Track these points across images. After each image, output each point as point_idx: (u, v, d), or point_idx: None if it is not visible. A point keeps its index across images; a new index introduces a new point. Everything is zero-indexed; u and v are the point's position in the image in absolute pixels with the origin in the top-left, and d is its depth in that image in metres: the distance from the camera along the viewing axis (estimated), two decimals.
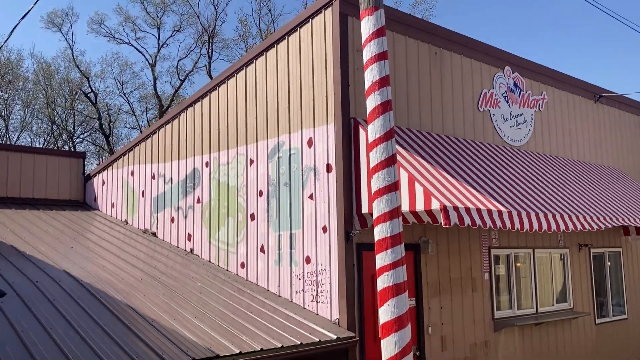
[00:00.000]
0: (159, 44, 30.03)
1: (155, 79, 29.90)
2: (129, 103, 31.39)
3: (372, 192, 5.25)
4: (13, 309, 5.95)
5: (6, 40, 5.51)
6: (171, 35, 30.38)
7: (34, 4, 5.85)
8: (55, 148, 29.84)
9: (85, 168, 13.20)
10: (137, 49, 30.26)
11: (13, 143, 29.67)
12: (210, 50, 29.79)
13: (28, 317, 5.87)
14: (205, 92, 9.90)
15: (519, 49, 44.62)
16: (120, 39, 29.94)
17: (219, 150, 9.47)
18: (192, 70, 30.42)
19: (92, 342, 5.53)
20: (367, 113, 5.40)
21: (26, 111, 31.07)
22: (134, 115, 31.26)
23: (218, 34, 30.25)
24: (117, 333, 5.83)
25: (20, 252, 8.27)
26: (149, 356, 5.41)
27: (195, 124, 10.04)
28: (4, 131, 30.15)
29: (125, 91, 30.92)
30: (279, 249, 8.15)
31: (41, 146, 30.15)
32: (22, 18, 5.61)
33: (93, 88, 30.15)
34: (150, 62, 30.06)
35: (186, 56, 30.55)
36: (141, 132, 30.62)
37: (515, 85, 10.09)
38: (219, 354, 5.74)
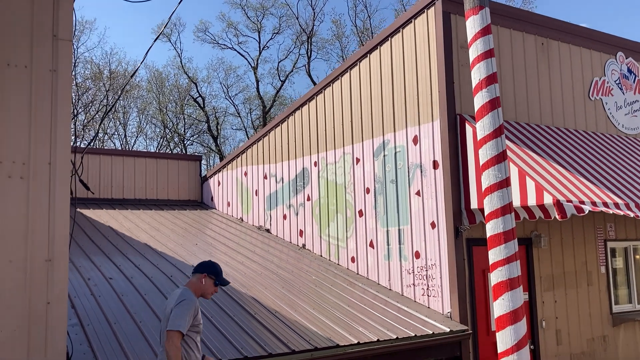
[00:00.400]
0: (259, 47, 31.26)
1: (257, 81, 31.17)
2: (234, 105, 33.00)
3: (483, 189, 5.38)
4: (155, 301, 6.68)
5: (142, 61, 6.18)
6: (271, 38, 31.69)
7: (161, 32, 6.50)
8: (169, 151, 31.97)
9: (202, 169, 14.22)
10: (239, 53, 31.72)
11: (131, 147, 32.17)
12: (309, 51, 30.56)
13: None
14: (311, 95, 10.36)
15: (632, 32, 41.62)
16: (224, 45, 31.49)
17: (326, 150, 9.90)
18: (292, 70, 31.37)
19: (226, 331, 6.11)
20: (475, 111, 5.52)
21: (141, 117, 33.58)
22: (239, 116, 32.77)
23: (316, 33, 30.96)
24: (246, 323, 6.39)
25: (154, 249, 9.16)
26: (277, 345, 5.90)
27: (303, 126, 10.54)
28: (123, 136, 32.79)
29: (230, 94, 32.49)
30: (388, 244, 8.42)
31: (155, 149, 32.46)
32: (155, 40, 6.28)
33: (200, 92, 31.95)
34: (252, 65, 31.35)
35: (285, 57, 31.57)
36: (246, 132, 32.10)
37: (630, 71, 9.66)
38: (338, 344, 6.13)
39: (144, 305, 6.54)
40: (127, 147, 31.83)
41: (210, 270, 4.54)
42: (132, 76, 8.52)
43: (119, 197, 12.85)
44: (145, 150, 29.37)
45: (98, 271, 7.60)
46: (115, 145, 32.26)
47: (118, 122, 32.46)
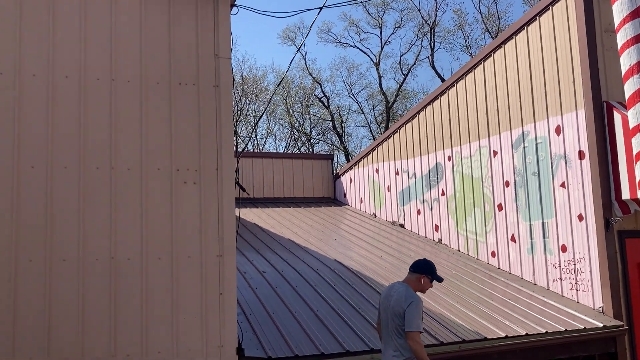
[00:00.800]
0: (381, 42, 31.45)
1: (380, 77, 31.40)
2: (357, 103, 33.49)
3: (638, 180, 5.17)
4: (306, 293, 7.16)
5: (284, 76, 6.63)
6: (392, 32, 31.75)
7: (298, 50, 6.93)
8: (296, 150, 33.24)
9: (334, 167, 14.75)
10: (362, 50, 32.16)
11: (261, 149, 33.86)
12: (432, 42, 30.22)
13: (317, 297, 7.02)
14: (442, 90, 10.38)
15: None
16: (346, 43, 32.09)
17: (460, 144, 9.88)
18: (414, 63, 31.21)
19: (375, 322, 6.40)
20: (626, 98, 5.31)
21: (270, 119, 35.22)
22: (363, 113, 33.23)
23: (438, 24, 30.55)
24: None
25: (297, 244, 9.73)
26: (424, 336, 6.07)
27: (435, 121, 10.59)
28: (254, 138, 34.60)
29: (353, 92, 33.03)
30: (531, 238, 8.26)
31: (284, 149, 33.88)
32: (297, 51, 6.73)
33: (325, 92, 32.82)
34: (375, 61, 31.62)
35: (408, 51, 31.49)
36: (370, 128, 32.46)
37: None
38: (486, 337, 6.19)
39: (296, 296, 7.03)
40: (258, 149, 33.55)
41: (428, 270, 4.94)
42: (276, 87, 9.10)
43: (260, 196, 13.72)
44: (281, 152, 30.81)
45: (252, 265, 8.26)
46: (247, 147, 34.16)
47: (249, 124, 34.32)
